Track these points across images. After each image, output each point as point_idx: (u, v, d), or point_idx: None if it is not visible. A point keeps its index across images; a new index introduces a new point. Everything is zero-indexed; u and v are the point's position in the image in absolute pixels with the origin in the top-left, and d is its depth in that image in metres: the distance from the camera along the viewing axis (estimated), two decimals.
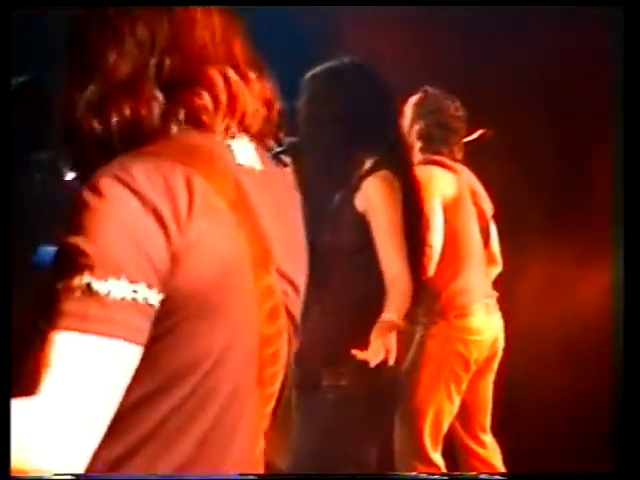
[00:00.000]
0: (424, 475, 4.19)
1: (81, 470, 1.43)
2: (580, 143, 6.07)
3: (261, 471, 1.75)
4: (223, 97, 1.62)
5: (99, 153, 1.54)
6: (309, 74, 3.45)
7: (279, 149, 3.26)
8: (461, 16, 5.93)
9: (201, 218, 1.49)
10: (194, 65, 1.63)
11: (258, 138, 1.71)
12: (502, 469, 4.63)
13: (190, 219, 1.48)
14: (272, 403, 1.69)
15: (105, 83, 1.59)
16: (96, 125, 1.56)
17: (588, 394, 5.51)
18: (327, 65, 3.46)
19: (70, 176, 1.64)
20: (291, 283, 1.67)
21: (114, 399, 1.43)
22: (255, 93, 1.66)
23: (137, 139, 1.54)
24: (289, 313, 1.66)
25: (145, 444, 1.52)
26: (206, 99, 1.60)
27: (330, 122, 3.35)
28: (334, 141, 3.35)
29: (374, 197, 3.28)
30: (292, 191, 1.84)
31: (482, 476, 4.21)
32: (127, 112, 1.56)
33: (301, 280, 1.72)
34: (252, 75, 1.66)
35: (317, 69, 3.46)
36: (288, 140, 3.26)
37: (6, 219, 1.63)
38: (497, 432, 4.70)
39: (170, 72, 1.61)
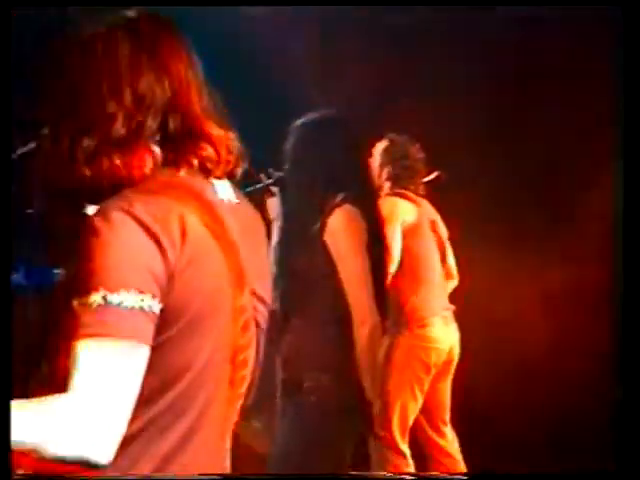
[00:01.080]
0: (427, 475, 4.12)
1: (109, 452, 1.42)
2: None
3: (228, 461, 1.74)
4: (222, 151, 1.64)
5: (89, 194, 1.56)
6: (298, 122, 3.43)
7: (269, 181, 3.35)
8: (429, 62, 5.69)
9: (191, 246, 1.51)
10: (194, 123, 1.63)
11: (233, 178, 1.73)
12: (459, 458, 4.61)
13: (183, 246, 1.49)
14: (240, 401, 1.69)
15: (102, 133, 1.58)
16: (87, 173, 1.55)
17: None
18: (313, 116, 3.45)
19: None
20: (261, 300, 1.69)
21: (133, 392, 1.44)
22: (236, 148, 1.69)
23: (127, 185, 1.54)
24: (258, 325, 1.68)
25: (135, 438, 1.51)
26: (210, 152, 1.62)
27: (312, 164, 3.34)
28: (314, 180, 3.32)
29: (336, 228, 3.25)
30: (259, 221, 1.83)
31: None
32: (118, 161, 1.55)
33: (268, 295, 1.74)
34: (231, 134, 1.68)
35: (305, 118, 3.43)
36: (276, 174, 3.36)
37: (6, 226, 1.60)
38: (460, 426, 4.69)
39: (174, 129, 1.61)
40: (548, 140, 5.80)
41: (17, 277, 5.25)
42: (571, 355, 5.48)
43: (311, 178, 3.33)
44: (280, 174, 3.45)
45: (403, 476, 4.04)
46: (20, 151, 2.19)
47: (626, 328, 2.88)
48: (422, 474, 4.23)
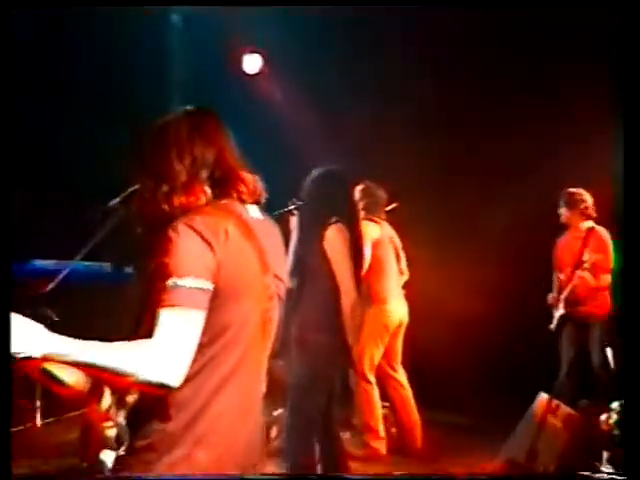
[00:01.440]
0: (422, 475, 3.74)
1: (178, 378, 1.42)
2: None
3: (264, 385, 1.71)
4: (251, 187, 1.67)
5: (166, 217, 1.54)
6: (313, 172, 3.40)
7: (292, 207, 3.44)
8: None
9: (231, 245, 1.53)
10: (232, 170, 1.65)
11: (259, 204, 1.73)
12: (407, 386, 4.59)
13: (226, 246, 1.51)
14: (269, 346, 1.69)
15: (173, 183, 1.58)
16: (167, 207, 1.57)
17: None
18: (321, 169, 3.41)
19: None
20: (280, 279, 1.71)
21: (194, 340, 1.46)
22: (260, 185, 1.71)
23: (187, 213, 1.54)
24: (279, 296, 1.70)
25: (203, 369, 1.52)
26: (243, 189, 1.65)
27: (318, 198, 3.33)
28: (320, 208, 3.31)
29: (331, 238, 3.24)
30: (277, 230, 1.80)
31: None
32: (185, 200, 1.57)
33: (285, 277, 1.74)
34: (256, 177, 1.70)
35: (316, 170, 3.40)
36: (298, 203, 3.47)
37: (7, 229, 1.49)
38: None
39: (218, 177, 1.63)
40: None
41: (129, 269, 5.28)
42: (486, 325, 5.41)
43: (317, 206, 3.33)
44: (299, 203, 3.46)
45: (401, 476, 3.81)
46: (125, 193, 2.08)
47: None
48: (417, 474, 3.85)
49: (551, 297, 4.80)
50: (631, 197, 1.74)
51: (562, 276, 4.71)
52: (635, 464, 1.57)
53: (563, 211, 4.74)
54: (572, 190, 4.71)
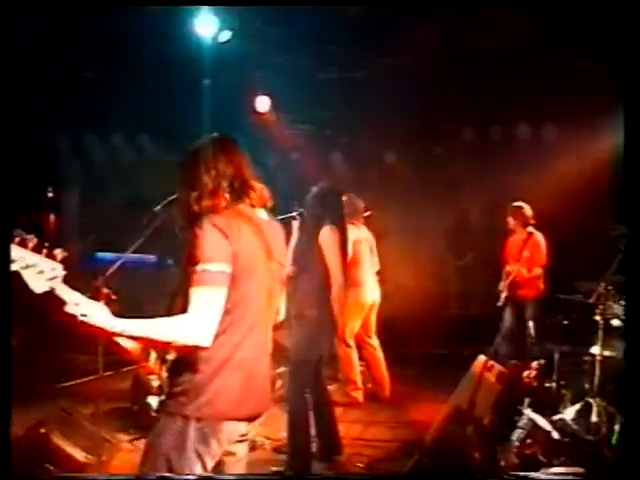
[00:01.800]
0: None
1: (209, 340, 1.44)
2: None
3: (270, 345, 1.66)
4: (260, 195, 1.66)
5: (195, 217, 1.54)
6: (314, 188, 3.35)
7: (295, 213, 3.38)
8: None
9: (243, 239, 1.53)
10: (246, 182, 1.63)
11: (266, 208, 1.71)
12: (379, 349, 4.57)
13: (239, 239, 1.52)
14: (273, 317, 1.69)
15: (202, 190, 1.58)
16: (196, 208, 1.56)
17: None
18: (319, 185, 3.37)
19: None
20: (282, 265, 1.71)
21: (218, 310, 1.46)
22: (267, 194, 1.70)
23: (212, 213, 1.54)
24: (280, 278, 1.71)
25: (224, 332, 1.53)
26: (254, 196, 1.64)
27: (316, 207, 3.30)
28: (317, 215, 3.29)
29: (325, 236, 3.23)
30: (280, 229, 1.77)
31: None
32: (210, 203, 1.57)
33: (287, 262, 1.81)
34: (264, 187, 1.69)
35: (315, 186, 3.37)
36: (300, 210, 3.34)
37: (7, 225, 1.40)
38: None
39: (236, 186, 1.62)
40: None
41: (169, 260, 5.30)
42: (445, 302, 5.36)
43: (315, 212, 3.31)
44: (301, 210, 3.37)
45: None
46: (165, 202, 2.11)
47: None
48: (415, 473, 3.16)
49: (502, 284, 4.88)
50: (631, 197, 1.57)
51: (508, 268, 4.82)
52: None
53: (510, 220, 4.88)
54: (516, 204, 4.83)
